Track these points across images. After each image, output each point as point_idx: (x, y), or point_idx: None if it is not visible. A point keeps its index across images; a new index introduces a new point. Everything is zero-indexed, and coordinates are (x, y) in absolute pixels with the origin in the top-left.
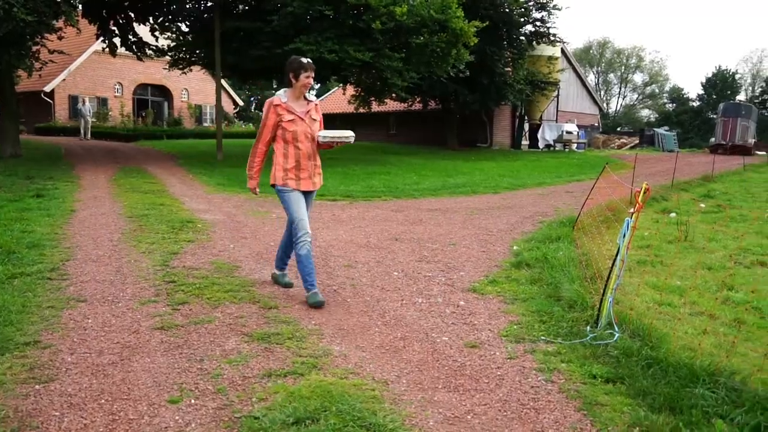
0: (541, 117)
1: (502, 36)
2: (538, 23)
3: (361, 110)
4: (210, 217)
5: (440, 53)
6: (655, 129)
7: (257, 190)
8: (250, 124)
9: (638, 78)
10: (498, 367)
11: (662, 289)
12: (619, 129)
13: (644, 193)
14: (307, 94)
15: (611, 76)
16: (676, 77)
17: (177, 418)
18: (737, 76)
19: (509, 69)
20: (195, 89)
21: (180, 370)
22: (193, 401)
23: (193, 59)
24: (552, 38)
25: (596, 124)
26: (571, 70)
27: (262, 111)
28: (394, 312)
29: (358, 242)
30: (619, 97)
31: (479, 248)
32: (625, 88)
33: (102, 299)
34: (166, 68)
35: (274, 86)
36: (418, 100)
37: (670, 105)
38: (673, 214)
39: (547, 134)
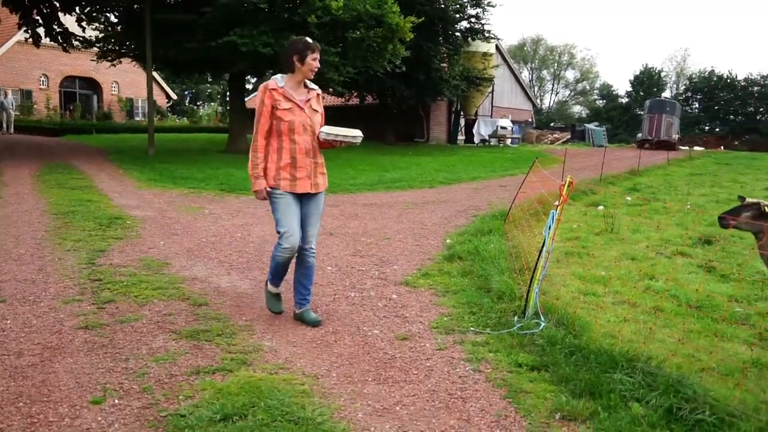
0: (476, 112)
1: (438, 32)
2: (473, 20)
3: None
4: (140, 213)
5: (377, 48)
6: (585, 125)
7: (268, 189)
8: (185, 119)
9: (570, 75)
10: (428, 359)
11: (587, 280)
12: (552, 124)
13: (568, 186)
14: (307, 81)
15: (544, 72)
16: (606, 74)
17: (99, 418)
18: (663, 74)
19: (445, 65)
20: (126, 82)
21: (104, 370)
22: (116, 401)
23: (122, 51)
24: (487, 35)
25: (530, 120)
26: (505, 66)
27: (196, 105)
28: (327, 306)
29: None
30: (552, 93)
31: (413, 242)
32: (558, 84)
33: (22, 299)
34: (94, 60)
35: (209, 80)
36: (355, 95)
37: (601, 101)
38: (600, 207)
39: (482, 129)
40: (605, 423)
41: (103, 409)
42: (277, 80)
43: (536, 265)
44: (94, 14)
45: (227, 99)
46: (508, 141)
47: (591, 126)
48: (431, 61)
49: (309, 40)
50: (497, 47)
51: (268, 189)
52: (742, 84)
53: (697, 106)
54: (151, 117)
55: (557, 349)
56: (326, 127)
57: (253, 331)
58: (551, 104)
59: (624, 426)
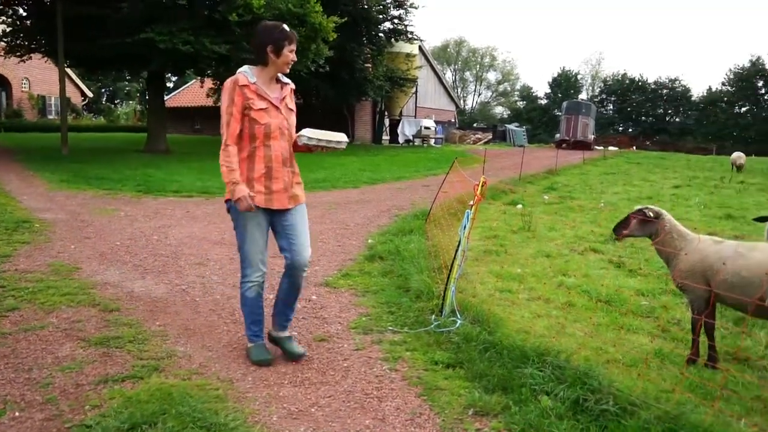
0: (400, 113)
1: (362, 32)
2: (396, 21)
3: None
4: (50, 216)
5: (299, 47)
6: (506, 125)
7: (251, 194)
8: (102, 118)
9: (492, 76)
10: (345, 359)
11: (504, 277)
12: (475, 125)
13: (482, 186)
14: (280, 75)
15: (467, 74)
16: (526, 76)
17: None
18: (579, 77)
19: (369, 65)
20: (37, 78)
21: (5, 381)
22: (17, 414)
23: (32, 46)
24: (410, 36)
25: (453, 120)
26: (428, 67)
27: (114, 104)
28: None
29: (212, 239)
30: (474, 95)
31: (335, 242)
32: (480, 85)
33: None
34: (1, 55)
35: (127, 78)
36: None
37: (521, 102)
38: (519, 206)
39: (406, 129)
40: (516, 417)
41: (3, 423)
42: (247, 75)
43: (452, 265)
44: (1, 7)
45: (146, 97)
46: (432, 141)
47: (511, 127)
48: (355, 61)
49: (286, 27)
50: (420, 48)
51: (252, 197)
52: (653, 87)
53: (611, 107)
54: (64, 115)
55: (472, 345)
56: (308, 130)
57: (166, 337)
58: (474, 105)
59: (533, 419)
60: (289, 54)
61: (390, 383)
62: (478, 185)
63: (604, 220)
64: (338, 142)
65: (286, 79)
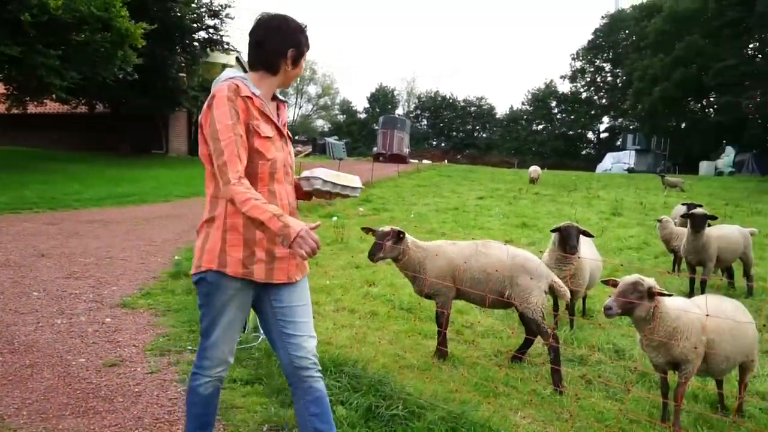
0: None
1: (175, 40)
2: (211, 30)
3: (15, 111)
4: None
5: (105, 53)
6: (326, 138)
7: (311, 230)
8: None
9: (313, 90)
10: (137, 384)
11: (313, 289)
12: (296, 138)
13: None
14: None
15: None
16: (346, 91)
17: None
18: (396, 93)
19: (183, 74)
20: None
21: None
22: None
23: None
24: (226, 47)
25: None
26: None
27: None
28: (26, 337)
29: None
30: (296, 107)
31: (138, 260)
32: (301, 98)
33: None
34: None
35: None
36: (83, 102)
37: (341, 116)
38: (335, 218)
39: None
40: None
41: None
42: (247, 83)
43: None
44: None
45: None
46: None
47: (331, 140)
48: (168, 70)
49: (304, 24)
50: (238, 59)
51: (219, 270)
52: (462, 104)
53: (425, 122)
54: None
55: (272, 360)
56: (321, 171)
57: None
58: (295, 118)
59: None
60: (303, 64)
61: (184, 405)
62: None
63: (413, 230)
64: (354, 188)
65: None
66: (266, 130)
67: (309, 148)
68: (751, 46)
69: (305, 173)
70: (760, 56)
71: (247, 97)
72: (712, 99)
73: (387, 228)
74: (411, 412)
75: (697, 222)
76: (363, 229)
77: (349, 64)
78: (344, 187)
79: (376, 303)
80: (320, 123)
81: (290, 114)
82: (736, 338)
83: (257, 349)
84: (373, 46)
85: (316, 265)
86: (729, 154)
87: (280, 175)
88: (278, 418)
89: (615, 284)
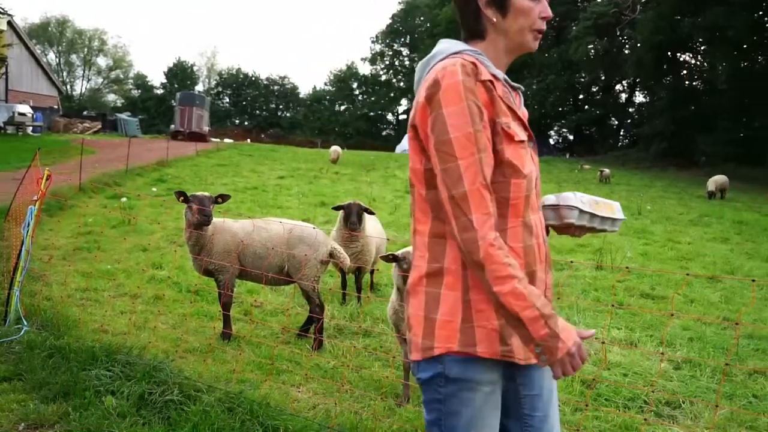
0: None
1: None
2: None
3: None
4: None
5: None
6: (118, 114)
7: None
8: None
9: (103, 62)
10: None
11: (92, 275)
12: (85, 113)
13: (46, 180)
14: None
15: (74, 57)
16: (141, 64)
17: None
18: (195, 68)
19: None
20: None
21: None
22: None
23: None
24: None
25: (56, 107)
26: (23, 46)
27: None
28: None
29: None
30: (83, 80)
31: None
32: (90, 71)
33: None
34: None
35: None
36: None
37: (136, 91)
38: (124, 199)
39: None
40: (74, 423)
41: None
42: (482, 59)
43: (16, 267)
44: None
45: None
46: (29, 129)
47: (123, 116)
48: None
49: None
50: (11, 24)
51: (466, 353)
52: (265, 83)
53: (227, 100)
54: None
55: (36, 354)
56: (575, 197)
57: None
58: (83, 92)
59: (93, 422)
60: (537, 8)
61: None
62: (42, 179)
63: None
64: (614, 221)
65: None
66: (518, 131)
67: (98, 125)
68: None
69: (549, 199)
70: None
71: (489, 81)
72: None
73: (202, 193)
74: (187, 396)
75: None
76: (177, 193)
77: (143, 34)
78: (604, 219)
79: (162, 286)
80: (112, 98)
81: (78, 88)
82: None
83: (18, 343)
84: (170, 16)
85: (98, 249)
86: None
87: (534, 199)
88: (38, 414)
89: (395, 258)
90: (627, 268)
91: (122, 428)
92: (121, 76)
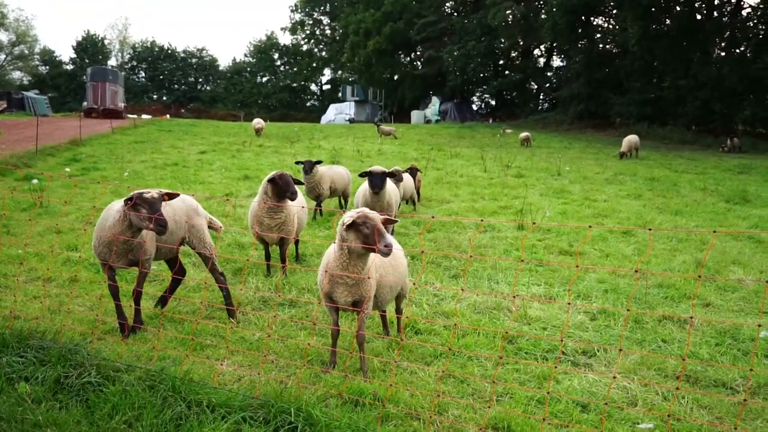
0: None
1: None
2: None
3: None
4: None
5: None
6: (24, 92)
7: None
8: None
9: (5, 37)
10: None
11: (0, 261)
12: None
13: None
14: None
15: None
16: (47, 39)
17: None
18: (107, 42)
19: None
20: None
21: None
22: None
23: None
24: None
25: None
26: None
27: None
28: None
29: None
30: None
31: None
32: None
33: None
34: None
35: None
36: None
37: (44, 68)
38: (35, 181)
39: None
40: None
41: None
42: None
43: None
44: None
45: None
46: None
47: (30, 94)
48: None
49: None
50: None
51: None
52: (182, 56)
53: (143, 75)
54: None
55: None
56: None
57: None
58: None
59: (6, 409)
60: None
61: None
62: None
63: (127, 190)
64: None
65: None
66: None
67: (3, 104)
68: (449, 4)
69: None
70: (455, 13)
71: None
72: (418, 53)
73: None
74: (105, 377)
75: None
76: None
77: (47, 6)
78: None
79: (78, 268)
80: (18, 75)
81: None
82: (396, 269)
83: None
84: None
85: (7, 234)
86: (435, 104)
87: None
88: None
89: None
90: (534, 222)
91: (38, 414)
92: (26, 51)
